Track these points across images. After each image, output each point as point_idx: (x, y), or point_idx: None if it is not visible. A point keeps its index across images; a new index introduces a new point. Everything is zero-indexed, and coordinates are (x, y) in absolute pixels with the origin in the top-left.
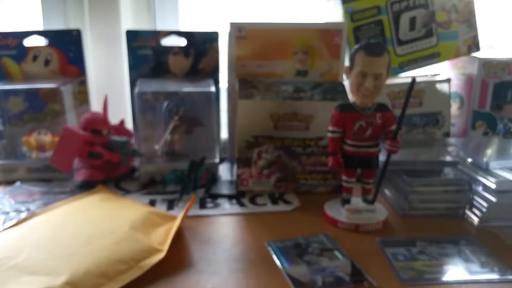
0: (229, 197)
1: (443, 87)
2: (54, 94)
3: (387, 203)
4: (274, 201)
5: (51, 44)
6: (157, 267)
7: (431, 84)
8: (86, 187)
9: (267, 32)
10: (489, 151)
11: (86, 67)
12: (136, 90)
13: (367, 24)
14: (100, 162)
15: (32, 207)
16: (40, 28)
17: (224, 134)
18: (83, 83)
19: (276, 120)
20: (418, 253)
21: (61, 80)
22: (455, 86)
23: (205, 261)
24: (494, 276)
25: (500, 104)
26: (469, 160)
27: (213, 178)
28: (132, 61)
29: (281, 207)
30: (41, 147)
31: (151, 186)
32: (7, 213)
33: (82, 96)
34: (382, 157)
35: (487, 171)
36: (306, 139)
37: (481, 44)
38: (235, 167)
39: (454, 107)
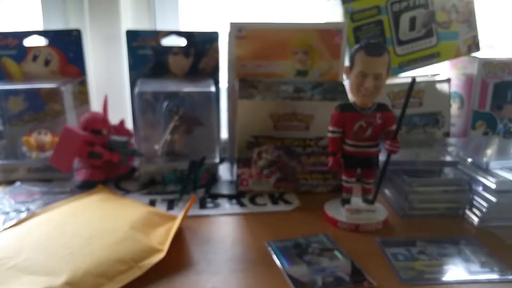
0: (229, 197)
1: (443, 87)
2: (54, 94)
3: (387, 203)
4: (274, 201)
5: (51, 44)
6: (157, 267)
7: (431, 84)
8: (86, 187)
9: (267, 32)
10: (489, 151)
11: (86, 67)
12: (136, 90)
13: (367, 24)
14: (100, 162)
15: (32, 207)
16: (40, 28)
17: (224, 134)
18: (83, 83)
19: (276, 120)
20: (418, 253)
21: (61, 80)
22: (455, 86)
23: (205, 261)
24: (494, 276)
25: (500, 104)
26: (469, 160)
27: (213, 178)
28: (132, 61)
29: (281, 207)
30: (41, 147)
31: (151, 186)
32: (7, 213)
33: (82, 96)
34: (382, 157)
35: (487, 171)
36: (306, 139)
37: (481, 44)
38: (235, 167)
39: (454, 107)
